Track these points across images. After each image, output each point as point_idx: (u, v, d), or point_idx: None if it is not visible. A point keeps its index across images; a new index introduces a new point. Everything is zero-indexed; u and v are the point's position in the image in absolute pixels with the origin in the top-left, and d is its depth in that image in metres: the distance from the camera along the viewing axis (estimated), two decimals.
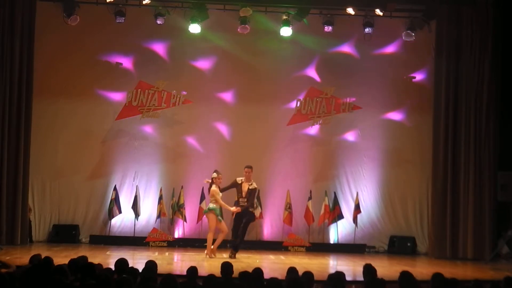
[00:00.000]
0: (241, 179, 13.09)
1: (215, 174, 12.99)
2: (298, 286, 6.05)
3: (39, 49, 14.77)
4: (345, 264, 13.18)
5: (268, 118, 15.78)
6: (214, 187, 12.93)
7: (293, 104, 15.88)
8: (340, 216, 15.49)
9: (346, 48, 15.84)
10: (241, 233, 13.00)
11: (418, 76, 15.83)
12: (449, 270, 11.44)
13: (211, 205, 12.93)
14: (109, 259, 12.01)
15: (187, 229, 15.45)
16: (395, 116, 15.91)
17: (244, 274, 6.78)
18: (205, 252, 12.98)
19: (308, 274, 6.79)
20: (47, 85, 15.20)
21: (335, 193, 15.59)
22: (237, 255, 13.03)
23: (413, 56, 15.78)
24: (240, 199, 13.04)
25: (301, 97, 15.89)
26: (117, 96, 15.61)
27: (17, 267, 8.22)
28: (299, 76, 15.89)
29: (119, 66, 15.46)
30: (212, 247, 12.89)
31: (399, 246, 15.48)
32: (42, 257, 7.69)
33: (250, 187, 13.06)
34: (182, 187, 15.33)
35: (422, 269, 11.84)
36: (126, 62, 15.59)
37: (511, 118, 15.09)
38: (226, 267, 7.20)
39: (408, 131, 15.86)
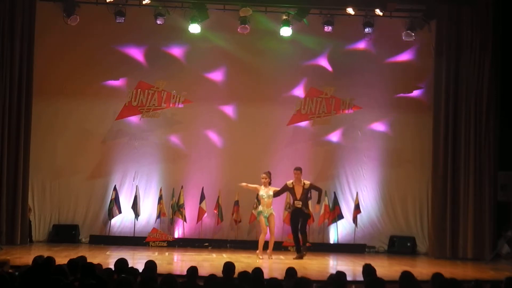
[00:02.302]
0: (292, 182, 13.28)
1: (263, 175, 13.30)
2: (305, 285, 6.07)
3: (39, 49, 14.76)
4: (345, 264, 13.16)
5: (268, 118, 15.77)
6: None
7: (293, 104, 15.87)
8: (340, 216, 15.50)
9: (346, 48, 15.84)
10: (303, 235, 13.33)
11: (418, 76, 15.83)
12: (449, 270, 11.44)
13: (261, 208, 13.18)
14: (109, 259, 12.01)
15: (187, 229, 15.44)
16: (395, 116, 15.90)
17: (243, 274, 6.77)
18: (257, 253, 13.14)
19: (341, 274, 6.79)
20: (47, 85, 15.19)
21: (335, 193, 15.59)
22: (237, 255, 13.15)
23: (413, 56, 15.77)
24: (295, 202, 13.27)
25: (301, 97, 15.89)
26: (117, 96, 15.61)
27: (17, 267, 8.22)
28: (299, 76, 15.89)
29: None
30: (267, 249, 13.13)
31: (399, 246, 15.48)
32: (44, 257, 7.69)
33: (304, 187, 13.26)
34: (182, 187, 15.32)
35: (422, 269, 11.83)
36: (126, 62, 15.59)
37: (511, 118, 15.08)
38: (228, 267, 7.19)
39: (408, 131, 15.86)
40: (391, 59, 15.85)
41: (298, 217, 13.31)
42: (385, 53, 15.83)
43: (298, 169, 13.30)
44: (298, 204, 13.21)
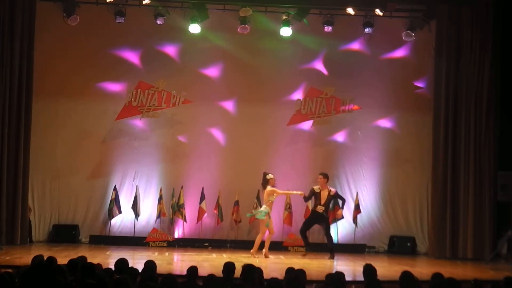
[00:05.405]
0: (318, 187, 13.53)
1: (271, 175, 13.42)
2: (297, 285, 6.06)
3: (38, 49, 14.76)
4: (345, 264, 13.17)
5: (268, 118, 15.77)
6: (270, 188, 13.28)
7: (293, 104, 15.87)
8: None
9: (346, 48, 15.84)
10: (329, 239, 13.57)
11: (418, 76, 15.83)
12: (449, 270, 11.44)
13: (266, 208, 13.26)
14: (109, 259, 12.01)
15: (187, 229, 15.44)
16: (395, 116, 15.90)
17: (248, 266, 6.73)
18: (251, 251, 13.30)
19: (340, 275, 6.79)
20: (47, 85, 15.18)
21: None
22: (237, 255, 13.16)
23: (413, 56, 15.78)
24: (318, 206, 13.49)
25: (301, 97, 15.89)
26: (117, 96, 15.61)
27: (17, 267, 8.22)
28: (299, 76, 15.88)
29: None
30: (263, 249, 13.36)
31: (399, 246, 15.48)
32: (43, 257, 7.68)
33: (330, 194, 13.53)
34: (182, 187, 15.32)
35: (422, 269, 11.83)
36: (126, 62, 15.59)
37: (511, 118, 15.09)
38: (228, 267, 7.19)
39: (408, 131, 15.86)
40: (391, 59, 15.85)
41: (315, 221, 13.69)
42: (385, 53, 15.83)
43: (324, 176, 13.60)
44: (321, 209, 13.49)
